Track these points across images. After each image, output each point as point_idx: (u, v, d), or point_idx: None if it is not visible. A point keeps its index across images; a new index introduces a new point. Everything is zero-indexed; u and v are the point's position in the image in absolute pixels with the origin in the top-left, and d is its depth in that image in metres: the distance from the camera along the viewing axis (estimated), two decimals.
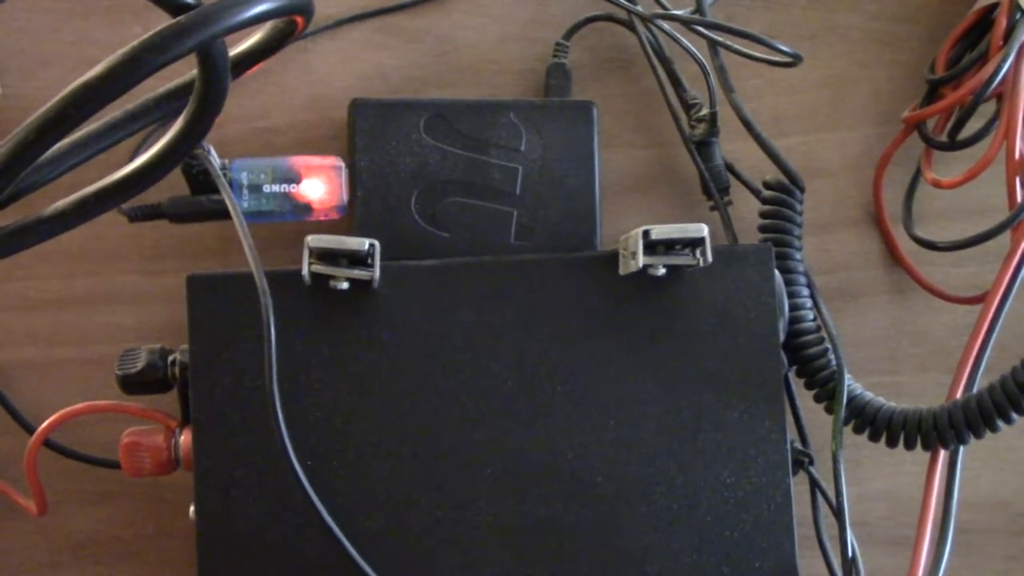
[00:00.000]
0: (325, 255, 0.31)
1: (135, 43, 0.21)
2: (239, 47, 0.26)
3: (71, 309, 0.38)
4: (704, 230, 0.31)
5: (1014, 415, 0.33)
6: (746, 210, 0.39)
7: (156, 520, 0.37)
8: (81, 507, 0.37)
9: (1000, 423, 0.33)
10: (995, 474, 0.40)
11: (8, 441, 0.37)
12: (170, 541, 0.37)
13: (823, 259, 0.40)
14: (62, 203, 0.25)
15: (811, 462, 0.35)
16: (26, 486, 0.34)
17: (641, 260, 0.31)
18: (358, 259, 0.32)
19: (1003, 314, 0.36)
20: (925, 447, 0.34)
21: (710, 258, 0.32)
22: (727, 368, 0.34)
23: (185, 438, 0.32)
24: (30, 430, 0.35)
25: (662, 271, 0.33)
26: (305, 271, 0.31)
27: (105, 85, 0.21)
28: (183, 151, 0.24)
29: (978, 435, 0.33)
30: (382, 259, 0.32)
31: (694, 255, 0.32)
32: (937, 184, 0.39)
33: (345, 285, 0.32)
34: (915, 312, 0.41)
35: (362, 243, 0.31)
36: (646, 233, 0.31)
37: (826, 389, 0.35)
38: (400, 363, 0.33)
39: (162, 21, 0.22)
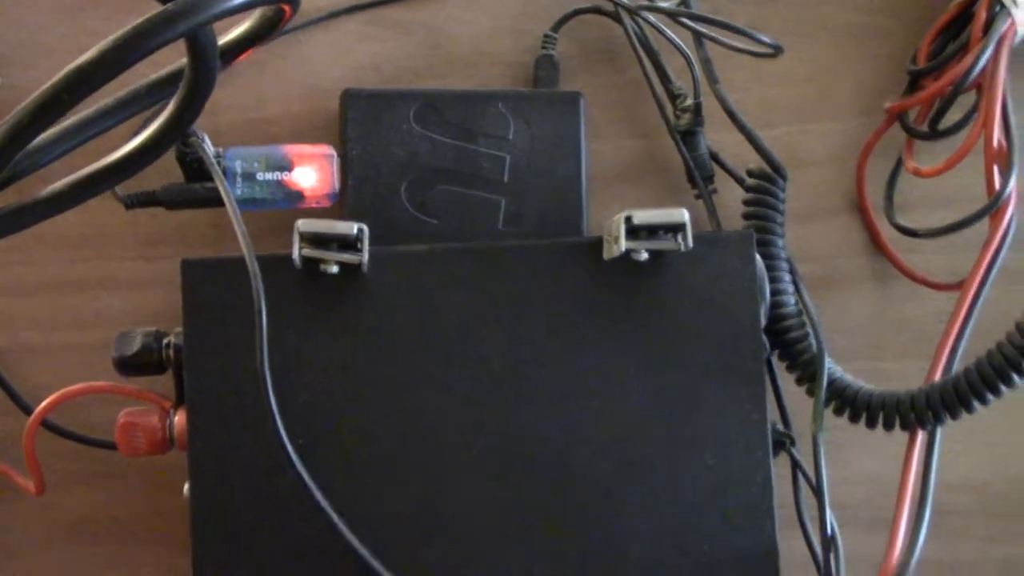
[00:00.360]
0: (315, 239, 0.32)
1: (126, 29, 0.21)
2: (228, 35, 0.27)
3: (68, 294, 0.39)
4: (685, 215, 0.32)
5: (989, 395, 0.33)
6: (730, 199, 0.40)
7: (151, 500, 0.38)
8: (78, 487, 0.38)
9: (976, 403, 0.33)
10: (974, 457, 0.41)
11: (7, 423, 0.38)
12: (165, 520, 0.38)
13: (806, 248, 0.41)
14: (57, 185, 0.26)
15: (792, 443, 0.36)
16: (24, 467, 0.35)
17: (624, 244, 0.32)
18: (347, 243, 0.32)
19: (981, 299, 0.36)
20: (904, 427, 0.34)
21: (691, 243, 0.33)
22: (709, 351, 0.34)
23: (179, 418, 0.33)
24: (29, 412, 0.36)
25: (645, 256, 0.33)
26: (295, 255, 0.32)
27: (97, 70, 0.21)
28: (173, 136, 0.25)
29: (954, 415, 0.34)
30: (372, 244, 0.33)
31: (676, 240, 0.33)
32: (918, 173, 0.39)
33: (335, 269, 0.32)
34: (897, 299, 0.42)
35: (351, 227, 0.32)
36: (628, 218, 0.32)
37: (807, 372, 0.36)
38: (389, 346, 0.33)
39: None
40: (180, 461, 0.33)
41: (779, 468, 0.35)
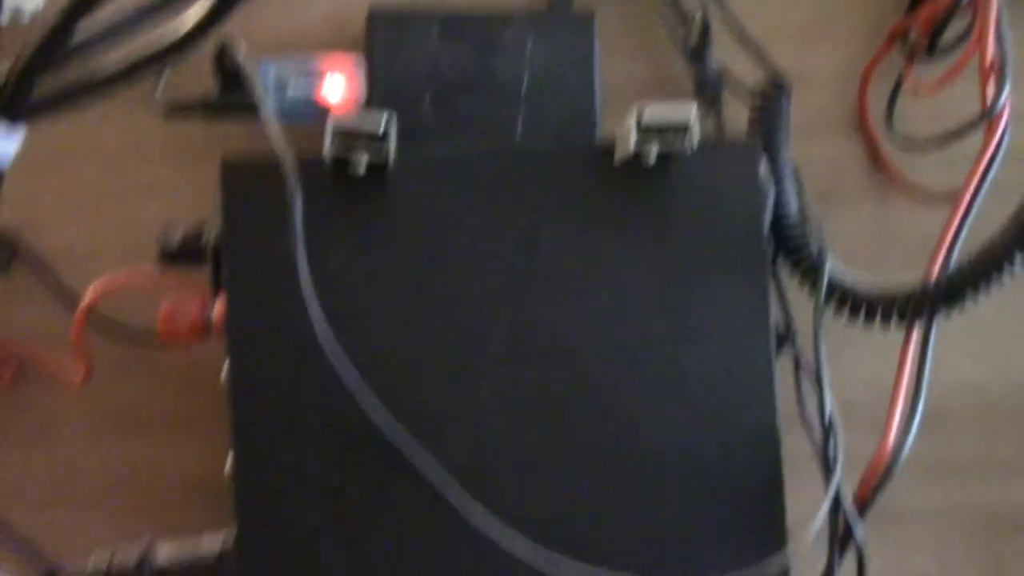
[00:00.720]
0: (345, 135, 0.34)
1: None
2: None
3: (110, 202, 0.41)
4: (693, 110, 0.34)
5: (982, 286, 0.35)
6: (738, 117, 0.42)
7: (192, 394, 0.40)
8: (119, 381, 0.40)
9: (969, 294, 0.35)
10: (974, 361, 0.43)
11: (53, 320, 0.40)
12: (205, 413, 0.40)
13: (809, 165, 0.42)
14: (112, 64, 0.28)
15: (793, 338, 0.38)
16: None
17: (634, 139, 0.34)
18: (375, 139, 0.34)
19: (974, 209, 0.38)
20: (900, 318, 0.36)
21: (697, 141, 0.35)
22: (715, 251, 0.36)
23: (217, 307, 0.35)
24: (75, 309, 0.38)
25: (654, 159, 0.35)
26: (327, 151, 0.34)
27: None
28: (220, 16, 0.27)
29: (949, 307, 0.35)
30: (398, 148, 0.35)
31: (683, 139, 0.35)
32: (917, 89, 0.41)
33: (364, 165, 0.34)
34: (897, 216, 0.43)
35: (379, 118, 0.34)
36: (638, 113, 0.34)
37: (810, 272, 0.38)
38: (414, 243, 0.35)
39: None
40: (216, 359, 0.35)
41: (781, 371, 0.37)
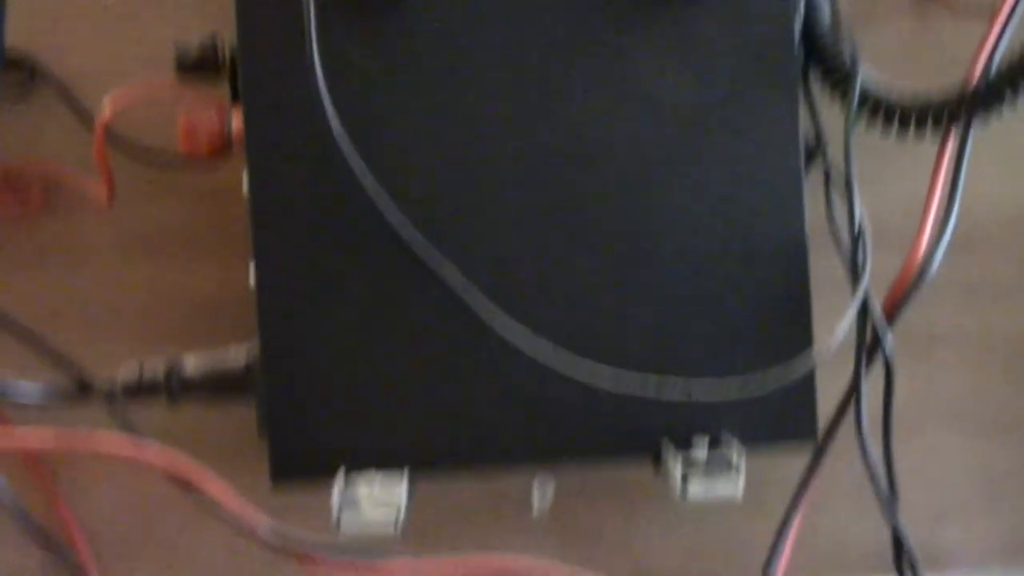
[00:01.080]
0: None
1: None
2: None
3: (129, 21, 0.41)
4: None
5: (1021, 88, 0.33)
6: None
7: (215, 212, 0.40)
8: (145, 202, 0.41)
9: (1008, 95, 0.34)
10: (1010, 185, 0.42)
11: (77, 144, 0.40)
12: (230, 231, 0.40)
13: None
14: None
15: (824, 151, 0.37)
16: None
17: None
18: None
19: (1018, 13, 0.36)
20: (936, 123, 0.35)
21: None
22: (744, 56, 0.35)
23: (236, 119, 0.35)
24: None
25: None
26: None
27: None
28: None
29: (986, 109, 0.34)
30: None
31: None
32: None
33: None
34: (936, 29, 0.42)
35: None
36: None
37: (842, 79, 0.36)
38: (432, 48, 0.35)
39: None
40: (240, 179, 0.35)
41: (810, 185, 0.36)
